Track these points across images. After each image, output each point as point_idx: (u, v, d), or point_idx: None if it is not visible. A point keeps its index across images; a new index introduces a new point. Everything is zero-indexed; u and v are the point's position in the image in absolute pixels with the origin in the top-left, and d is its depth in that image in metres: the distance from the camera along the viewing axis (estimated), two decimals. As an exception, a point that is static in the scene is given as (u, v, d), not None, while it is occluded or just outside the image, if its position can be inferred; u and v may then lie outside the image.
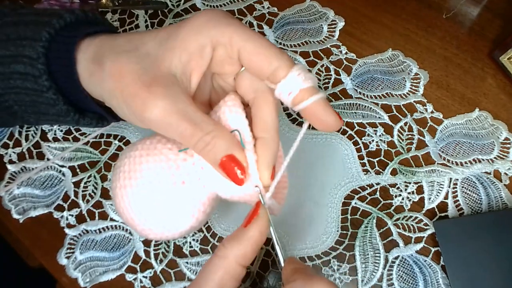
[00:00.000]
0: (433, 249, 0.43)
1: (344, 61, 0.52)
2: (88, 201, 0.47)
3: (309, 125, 0.28)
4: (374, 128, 0.48)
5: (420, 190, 0.45)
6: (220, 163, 0.26)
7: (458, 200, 0.45)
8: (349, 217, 0.45)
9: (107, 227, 0.46)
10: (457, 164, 0.46)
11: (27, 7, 0.30)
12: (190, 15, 0.55)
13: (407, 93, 0.49)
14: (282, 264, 0.28)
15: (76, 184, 0.48)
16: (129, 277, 0.44)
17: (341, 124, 0.27)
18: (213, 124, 0.26)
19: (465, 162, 0.46)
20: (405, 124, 0.48)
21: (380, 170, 0.46)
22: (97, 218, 0.46)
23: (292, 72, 0.26)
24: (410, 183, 0.45)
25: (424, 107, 0.49)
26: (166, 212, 0.28)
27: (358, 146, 0.47)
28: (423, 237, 0.43)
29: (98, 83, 0.26)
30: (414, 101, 0.49)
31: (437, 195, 0.45)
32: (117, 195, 0.29)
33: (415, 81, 0.50)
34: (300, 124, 0.49)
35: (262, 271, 0.43)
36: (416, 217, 0.44)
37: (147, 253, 0.44)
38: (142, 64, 0.25)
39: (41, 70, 0.27)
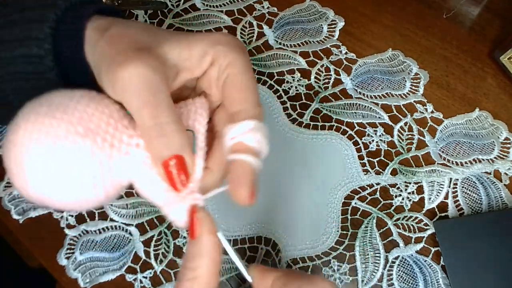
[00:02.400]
0: (433, 249, 0.43)
1: (344, 61, 0.52)
2: (88, 201, 0.47)
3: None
4: (374, 128, 0.48)
5: (420, 190, 0.45)
6: (163, 162, 0.23)
7: (458, 200, 0.44)
8: (349, 217, 0.44)
9: (107, 227, 0.46)
10: (457, 164, 0.46)
11: None
12: (190, 14, 0.55)
13: (407, 93, 0.49)
14: (246, 275, 0.26)
15: (76, 185, 0.48)
16: (129, 277, 0.44)
17: (250, 203, 0.24)
18: (177, 118, 0.23)
19: (465, 162, 0.46)
20: (405, 124, 0.48)
21: (380, 170, 0.46)
22: (97, 218, 0.46)
23: (249, 121, 0.24)
24: (410, 183, 0.45)
25: (424, 107, 0.49)
26: (76, 164, 0.22)
27: (358, 146, 0.47)
28: (423, 237, 0.43)
29: (96, 48, 0.25)
30: (414, 101, 0.49)
31: (437, 195, 0.45)
32: (30, 119, 0.22)
33: (415, 81, 0.50)
34: (300, 124, 0.48)
35: (262, 271, 0.43)
36: (416, 217, 0.44)
37: (147, 253, 0.44)
38: (146, 39, 0.25)
39: (47, 51, 0.26)
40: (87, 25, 0.26)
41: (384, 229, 0.44)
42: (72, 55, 0.27)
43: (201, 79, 0.27)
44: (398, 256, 0.43)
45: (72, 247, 0.45)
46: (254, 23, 0.55)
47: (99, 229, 0.46)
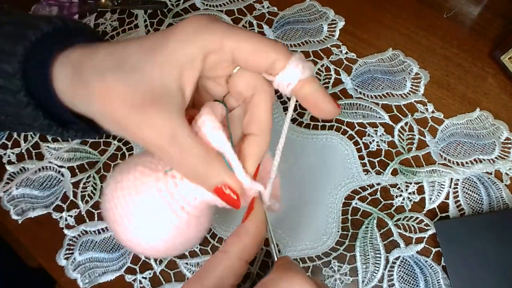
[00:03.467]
0: (434, 250, 0.43)
1: (344, 61, 0.52)
2: (87, 201, 0.47)
3: (295, 107, 0.28)
4: (374, 128, 0.48)
5: (421, 190, 0.45)
6: (214, 189, 0.26)
7: (459, 200, 0.44)
8: (349, 217, 0.44)
9: (106, 228, 0.46)
10: (458, 164, 0.46)
11: (7, 13, 0.29)
12: (189, 14, 0.55)
13: (407, 93, 0.49)
14: (276, 259, 0.29)
15: (75, 185, 0.48)
16: (129, 278, 0.44)
17: (339, 111, 0.27)
18: (205, 152, 0.26)
19: (466, 162, 0.46)
20: (406, 124, 0.48)
21: (381, 170, 0.46)
22: (96, 218, 0.46)
23: (291, 63, 0.25)
24: (410, 183, 0.45)
25: (425, 107, 0.48)
26: (174, 239, 0.29)
27: (358, 146, 0.47)
28: (424, 237, 0.43)
29: (85, 104, 0.26)
30: (414, 101, 0.49)
31: (438, 195, 0.45)
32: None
33: (415, 80, 0.50)
34: (300, 124, 0.48)
35: (262, 272, 0.43)
36: (417, 218, 0.44)
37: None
38: (130, 82, 0.24)
39: (18, 86, 0.26)
40: (54, 65, 0.26)
41: (385, 229, 0.44)
42: (44, 90, 0.27)
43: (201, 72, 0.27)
44: (399, 256, 0.43)
45: (72, 247, 0.45)
46: (254, 22, 0.54)
47: (98, 230, 0.46)
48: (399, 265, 0.42)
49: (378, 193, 0.45)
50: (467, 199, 0.44)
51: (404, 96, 0.49)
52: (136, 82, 0.24)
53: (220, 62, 0.26)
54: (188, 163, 0.25)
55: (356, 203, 0.45)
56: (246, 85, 0.28)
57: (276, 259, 0.29)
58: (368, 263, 0.42)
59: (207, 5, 0.56)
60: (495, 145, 0.46)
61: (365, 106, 0.49)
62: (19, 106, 0.27)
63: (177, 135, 0.25)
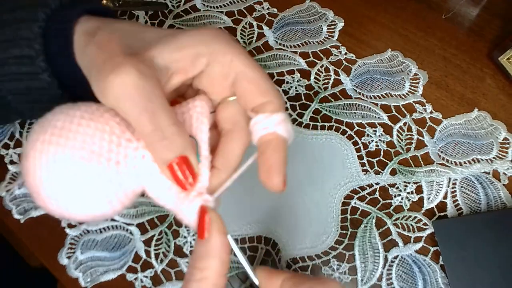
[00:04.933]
0: (432, 249, 0.43)
1: (344, 62, 0.52)
2: (88, 201, 0.47)
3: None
4: (373, 128, 0.48)
5: (419, 190, 0.45)
6: (168, 165, 0.24)
7: (457, 200, 0.45)
8: (348, 216, 0.45)
9: (107, 227, 0.46)
10: (456, 164, 0.46)
11: None
12: (190, 15, 0.56)
13: (406, 93, 0.50)
14: (254, 278, 0.26)
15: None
16: (130, 276, 0.44)
17: (283, 189, 0.25)
18: (176, 120, 0.24)
19: (464, 162, 0.46)
20: (404, 124, 0.48)
21: (380, 170, 0.46)
22: (97, 218, 0.46)
23: (282, 113, 0.25)
24: (409, 183, 0.46)
25: (423, 107, 0.49)
26: (86, 188, 0.24)
27: (357, 146, 0.47)
28: (422, 236, 0.43)
29: (86, 53, 0.25)
30: (413, 101, 0.49)
31: (436, 195, 0.45)
32: (37, 149, 0.23)
33: (414, 81, 0.50)
34: (300, 124, 0.49)
35: (262, 271, 0.43)
36: (415, 217, 0.44)
37: (147, 253, 0.45)
38: (133, 43, 0.25)
39: (38, 51, 0.26)
40: (75, 27, 0.26)
41: (384, 228, 0.44)
42: (63, 56, 0.26)
43: (198, 77, 0.27)
44: (397, 255, 0.43)
45: (73, 246, 0.45)
46: (254, 24, 0.55)
47: (100, 229, 0.46)
48: (398, 264, 0.43)
49: (377, 193, 0.45)
50: (465, 199, 0.45)
51: (403, 97, 0.50)
52: (136, 43, 0.25)
53: (221, 79, 0.26)
54: (157, 121, 0.23)
55: (355, 203, 0.45)
56: (231, 117, 0.27)
57: (254, 279, 0.26)
58: (367, 262, 0.43)
59: (207, 6, 0.57)
60: (493, 145, 0.47)
61: (364, 106, 0.49)
62: (34, 75, 0.27)
63: (151, 91, 0.23)
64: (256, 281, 0.26)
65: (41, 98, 0.28)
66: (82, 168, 0.23)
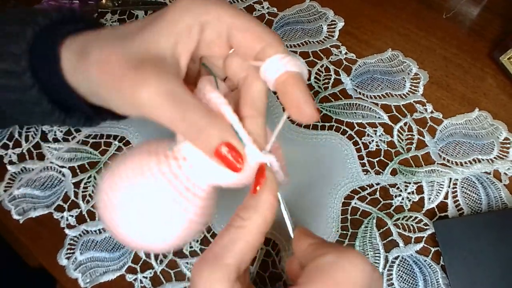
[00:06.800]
0: (433, 249, 0.43)
1: (344, 61, 0.52)
2: (88, 201, 0.47)
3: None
4: (374, 128, 0.48)
5: (420, 190, 0.45)
6: (215, 152, 0.25)
7: (458, 200, 0.45)
8: (349, 217, 0.45)
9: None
10: (457, 164, 0.46)
11: (17, 8, 0.30)
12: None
13: (407, 93, 0.50)
14: (291, 233, 0.28)
15: (76, 185, 0.48)
16: (129, 277, 0.44)
17: (316, 118, 0.26)
18: (205, 111, 0.25)
19: (465, 162, 0.46)
20: (405, 124, 0.48)
21: (380, 170, 0.46)
22: (97, 218, 0.46)
23: (283, 51, 0.25)
24: (410, 183, 0.45)
25: (424, 107, 0.49)
26: (162, 221, 0.26)
27: (358, 146, 0.47)
28: (423, 237, 0.43)
29: (85, 75, 0.26)
30: (414, 101, 0.49)
31: (437, 195, 0.45)
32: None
33: (415, 81, 0.50)
34: (300, 124, 0.49)
35: (262, 271, 0.43)
36: (416, 217, 0.44)
37: (147, 253, 0.44)
38: (128, 49, 0.25)
39: (24, 67, 0.26)
40: (62, 47, 0.26)
41: (384, 229, 0.44)
42: (50, 74, 0.27)
43: (197, 48, 0.27)
44: (398, 256, 0.43)
45: (73, 247, 0.45)
46: (254, 23, 0.55)
47: (99, 229, 0.46)
48: (398, 265, 0.42)
49: (378, 193, 0.45)
50: (466, 199, 0.45)
51: (404, 97, 0.49)
52: (133, 48, 0.25)
53: (216, 39, 0.26)
54: (189, 118, 0.24)
55: (355, 203, 0.45)
56: (240, 66, 0.28)
57: (291, 233, 0.28)
58: (368, 262, 0.43)
59: (207, 5, 0.56)
60: (494, 145, 0.46)
61: (365, 106, 0.49)
62: (23, 90, 0.27)
63: (175, 91, 0.24)
64: (292, 235, 0.29)
65: (33, 110, 0.29)
66: (157, 211, 0.25)
